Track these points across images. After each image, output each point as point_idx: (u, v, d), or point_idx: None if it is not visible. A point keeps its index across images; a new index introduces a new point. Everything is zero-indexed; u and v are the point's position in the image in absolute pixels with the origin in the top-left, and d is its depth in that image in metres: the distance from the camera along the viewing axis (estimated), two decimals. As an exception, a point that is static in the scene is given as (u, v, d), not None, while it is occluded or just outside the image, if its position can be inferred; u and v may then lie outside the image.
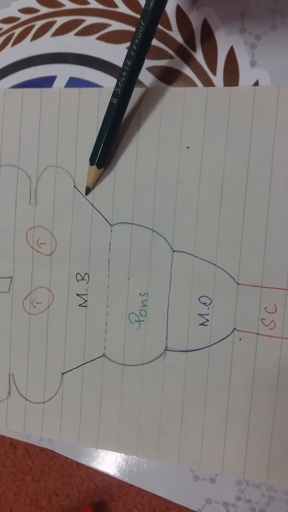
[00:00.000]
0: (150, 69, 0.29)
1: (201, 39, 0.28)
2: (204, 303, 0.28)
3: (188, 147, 0.28)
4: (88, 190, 0.30)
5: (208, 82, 0.28)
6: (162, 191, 0.29)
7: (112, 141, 0.29)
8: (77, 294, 0.31)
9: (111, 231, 0.30)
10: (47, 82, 0.31)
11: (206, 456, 0.28)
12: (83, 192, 0.30)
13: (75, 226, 0.31)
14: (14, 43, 0.32)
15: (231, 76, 0.28)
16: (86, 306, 0.31)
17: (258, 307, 0.27)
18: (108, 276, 0.30)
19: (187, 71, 0.29)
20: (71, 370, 0.31)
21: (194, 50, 0.28)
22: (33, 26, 0.32)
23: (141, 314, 0.30)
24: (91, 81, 0.30)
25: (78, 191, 0.30)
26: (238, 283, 0.28)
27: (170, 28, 0.29)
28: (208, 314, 0.28)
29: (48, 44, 0.32)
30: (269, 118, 0.27)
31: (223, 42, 0.28)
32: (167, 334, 0.29)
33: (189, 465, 0.29)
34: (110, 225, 0.30)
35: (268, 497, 0.28)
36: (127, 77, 0.26)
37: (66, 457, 0.32)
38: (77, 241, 0.31)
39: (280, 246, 0.27)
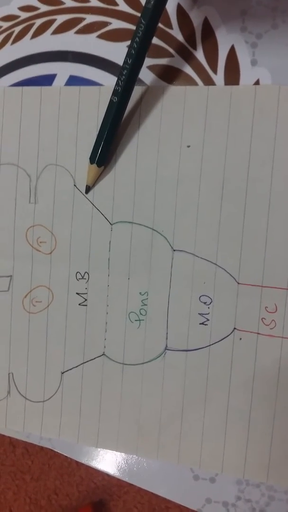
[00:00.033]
0: (150, 67, 0.29)
1: (202, 37, 0.28)
2: (205, 303, 0.28)
3: (188, 146, 0.28)
4: (88, 189, 0.30)
5: (208, 81, 0.28)
6: (163, 190, 0.29)
7: (112, 139, 0.29)
8: (77, 293, 0.31)
9: (111, 230, 0.30)
10: (47, 80, 0.31)
11: (206, 455, 0.28)
12: (83, 190, 0.30)
13: (75, 225, 0.31)
14: (14, 41, 0.32)
15: (232, 75, 0.28)
16: (86, 305, 0.31)
17: (259, 307, 0.27)
18: (108, 275, 0.30)
19: (188, 69, 0.28)
20: (71, 369, 0.31)
21: (195, 48, 0.28)
22: (33, 24, 0.32)
23: (141, 313, 0.30)
24: (91, 80, 0.30)
25: (78, 189, 0.30)
26: (238, 283, 0.28)
27: (170, 27, 0.29)
28: (209, 313, 0.28)
29: (48, 42, 0.31)
30: (270, 117, 0.27)
31: (224, 40, 0.28)
32: (167, 333, 0.29)
33: (189, 464, 0.29)
34: (110, 224, 0.30)
35: (268, 497, 0.28)
36: (127, 75, 0.26)
37: (66, 456, 0.32)
38: (77, 240, 0.31)
39: (280, 246, 0.27)
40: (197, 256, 0.28)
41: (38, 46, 0.32)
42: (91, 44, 0.31)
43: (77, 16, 0.31)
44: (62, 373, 0.31)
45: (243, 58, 0.28)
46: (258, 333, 0.27)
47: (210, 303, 0.28)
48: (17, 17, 0.32)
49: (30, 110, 0.31)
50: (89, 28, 0.31)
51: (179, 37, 0.29)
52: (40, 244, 0.31)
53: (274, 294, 0.27)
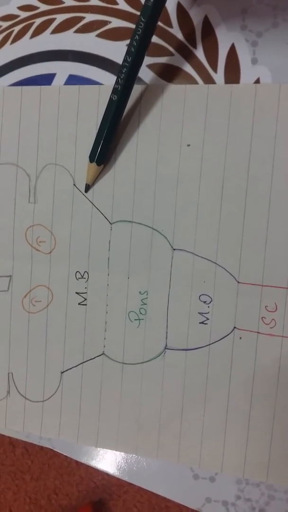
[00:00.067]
0: (150, 66, 0.29)
1: (202, 36, 0.28)
2: (204, 302, 0.28)
3: (188, 145, 0.28)
4: (87, 188, 0.30)
5: (208, 80, 0.28)
6: (162, 189, 0.29)
7: (112, 138, 0.29)
8: (77, 293, 0.31)
9: (111, 229, 0.30)
10: (46, 79, 0.31)
11: (205, 454, 0.28)
12: (83, 190, 0.30)
13: (74, 224, 0.31)
14: (14, 41, 0.32)
15: (232, 74, 0.28)
16: (85, 305, 0.31)
17: (259, 306, 0.27)
18: (108, 275, 0.30)
19: (188, 68, 0.28)
20: (70, 368, 0.31)
21: (195, 47, 0.28)
22: (33, 23, 0.32)
23: (140, 313, 0.29)
24: (91, 79, 0.30)
25: (78, 189, 0.30)
26: (238, 282, 0.28)
27: (170, 25, 0.29)
28: (208, 312, 0.28)
29: (48, 41, 0.31)
30: (270, 116, 0.27)
31: (224, 39, 0.28)
32: (167, 332, 0.29)
33: (189, 464, 0.29)
34: (110, 223, 0.30)
35: (268, 496, 0.28)
36: (127, 73, 0.26)
37: (66, 456, 0.32)
38: (76, 239, 0.31)
39: (281, 245, 0.27)
40: (197, 255, 0.28)
41: (38, 45, 0.32)
42: (90, 43, 0.30)
43: (77, 15, 0.31)
44: (62, 372, 0.31)
45: (244, 57, 0.27)
46: (258, 332, 0.27)
47: (210, 302, 0.28)
48: (16, 16, 0.32)
49: (29, 109, 0.31)
50: (89, 27, 0.30)
51: (179, 35, 0.29)
52: (40, 244, 0.31)
53: (274, 293, 0.27)
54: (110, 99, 0.27)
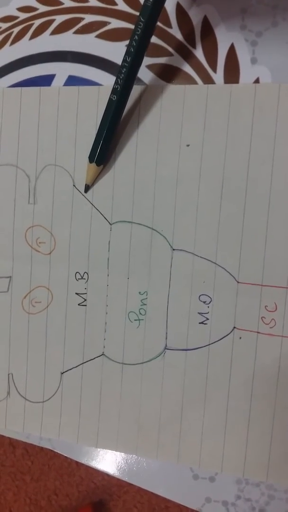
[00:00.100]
0: (149, 66, 0.29)
1: (201, 36, 0.28)
2: (204, 302, 0.28)
3: (188, 145, 0.28)
4: (87, 188, 0.30)
5: (208, 80, 0.28)
6: (162, 189, 0.29)
7: (112, 138, 0.29)
8: (76, 293, 0.31)
9: (111, 230, 0.30)
10: (46, 80, 0.31)
11: (205, 455, 0.28)
12: (82, 190, 0.30)
13: (74, 225, 0.31)
14: (13, 42, 0.32)
15: (232, 74, 0.28)
16: (85, 305, 0.31)
17: (258, 306, 0.27)
18: (108, 275, 0.30)
19: (187, 68, 0.28)
20: (70, 369, 0.31)
21: (194, 47, 0.28)
22: (32, 24, 0.32)
23: (140, 313, 0.29)
24: (90, 79, 0.30)
25: (77, 189, 0.30)
26: (238, 282, 0.28)
27: (170, 26, 0.29)
28: (208, 312, 0.28)
29: (47, 42, 0.31)
30: (270, 116, 0.27)
31: (224, 39, 0.28)
32: (166, 333, 0.29)
33: (189, 464, 0.29)
34: (110, 223, 0.30)
35: (268, 496, 0.28)
36: (126, 73, 0.26)
37: (66, 456, 0.32)
38: (76, 240, 0.31)
39: (280, 245, 0.27)
40: (196, 255, 0.28)
41: (37, 46, 0.32)
42: (90, 44, 0.31)
43: (76, 16, 0.31)
44: (62, 373, 0.31)
45: (243, 57, 0.27)
46: (258, 332, 0.27)
47: (210, 302, 0.28)
48: (16, 17, 0.32)
49: (29, 110, 0.31)
50: (88, 28, 0.31)
51: (178, 35, 0.29)
52: (40, 245, 0.31)
53: (274, 293, 0.27)
54: (110, 99, 0.27)
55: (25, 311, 0.32)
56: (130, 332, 0.30)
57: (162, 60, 0.29)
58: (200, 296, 0.28)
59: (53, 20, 0.31)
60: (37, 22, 0.32)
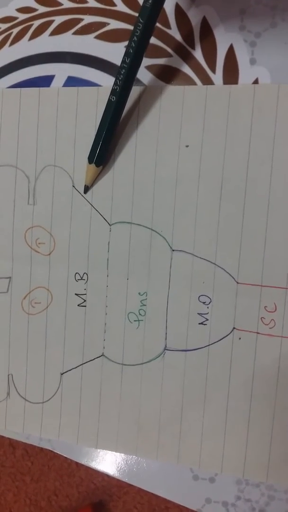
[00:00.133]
0: (149, 67, 0.29)
1: (200, 37, 0.28)
2: (204, 302, 0.28)
3: (187, 146, 0.28)
4: (86, 189, 0.30)
5: (207, 81, 0.28)
6: (161, 190, 0.29)
7: (111, 138, 0.29)
8: (76, 294, 0.31)
9: (110, 231, 0.30)
10: (45, 81, 0.31)
11: (205, 455, 0.28)
12: (82, 191, 0.30)
13: (73, 226, 0.31)
14: (12, 43, 0.32)
15: (231, 74, 0.28)
16: (85, 306, 0.31)
17: (258, 306, 0.27)
18: (107, 276, 0.30)
19: (186, 69, 0.28)
20: (70, 370, 0.31)
21: (193, 48, 0.28)
22: (31, 25, 0.32)
23: (140, 314, 0.29)
24: (90, 80, 0.30)
25: (77, 190, 0.30)
26: (237, 282, 0.28)
27: (169, 27, 0.29)
28: (208, 313, 0.28)
29: (46, 43, 0.31)
30: (269, 117, 0.27)
31: (223, 40, 0.28)
32: (166, 333, 0.29)
33: (189, 464, 0.29)
34: (109, 224, 0.30)
35: (268, 497, 0.28)
36: (125, 74, 0.26)
37: (66, 457, 0.32)
38: (75, 240, 0.31)
39: (280, 245, 0.27)
40: (196, 256, 0.28)
41: (36, 47, 0.32)
42: (89, 45, 0.31)
43: (75, 17, 0.31)
44: (62, 374, 0.31)
45: (242, 57, 0.27)
46: (258, 333, 0.27)
47: (209, 303, 0.28)
48: (15, 18, 0.32)
49: (28, 111, 0.31)
50: (87, 29, 0.31)
51: (177, 36, 0.29)
52: (39, 245, 0.31)
53: (274, 293, 0.27)
54: (109, 100, 0.27)
55: (24, 312, 0.32)
56: (130, 333, 0.30)
57: (161, 61, 0.29)
58: (199, 296, 0.28)
59: (52, 21, 0.31)
60: (37, 23, 0.32)
